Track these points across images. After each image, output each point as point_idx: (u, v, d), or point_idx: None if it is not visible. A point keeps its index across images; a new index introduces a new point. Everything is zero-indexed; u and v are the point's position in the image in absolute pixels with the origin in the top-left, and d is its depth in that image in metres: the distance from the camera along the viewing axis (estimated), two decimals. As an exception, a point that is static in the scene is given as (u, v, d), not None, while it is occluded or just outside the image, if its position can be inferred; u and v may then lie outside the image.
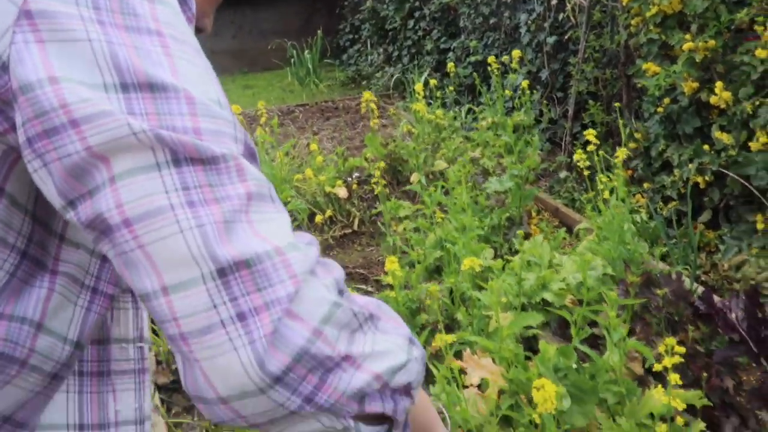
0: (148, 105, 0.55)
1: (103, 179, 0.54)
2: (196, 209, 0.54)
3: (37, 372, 0.70)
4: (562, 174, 3.63)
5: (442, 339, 1.69)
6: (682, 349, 1.24)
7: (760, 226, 2.69)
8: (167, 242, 0.53)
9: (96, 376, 0.81)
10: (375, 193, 3.20)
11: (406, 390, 0.63)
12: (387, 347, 0.60)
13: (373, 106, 2.58)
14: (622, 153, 2.17)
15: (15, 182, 0.63)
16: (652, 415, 1.53)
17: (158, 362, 2.46)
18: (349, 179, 3.95)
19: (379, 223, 3.42)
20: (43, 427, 0.76)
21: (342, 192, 3.64)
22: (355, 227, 3.56)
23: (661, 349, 1.26)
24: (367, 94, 2.65)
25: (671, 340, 1.24)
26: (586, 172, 2.23)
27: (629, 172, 3.33)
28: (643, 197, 3.16)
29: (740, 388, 1.87)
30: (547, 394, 1.18)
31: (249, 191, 0.57)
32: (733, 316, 1.97)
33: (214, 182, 0.55)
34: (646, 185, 3.21)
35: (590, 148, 2.18)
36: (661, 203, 3.11)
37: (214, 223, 0.54)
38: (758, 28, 2.52)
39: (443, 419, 0.85)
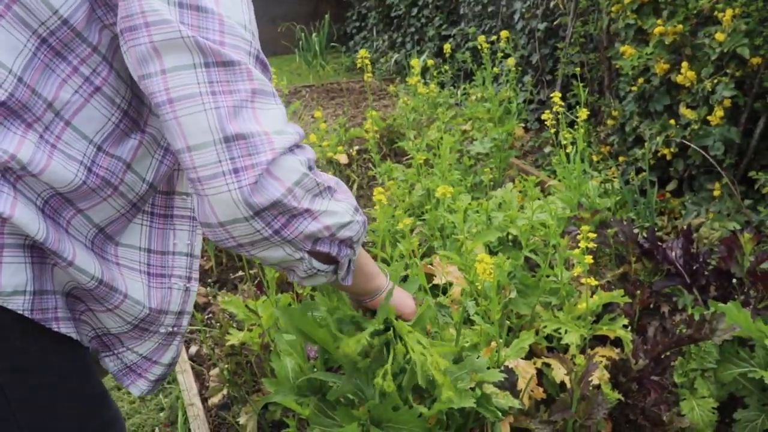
0: (194, 20, 0.87)
1: (156, 70, 0.86)
2: (216, 97, 0.83)
3: (124, 198, 1.04)
4: (547, 149, 3.97)
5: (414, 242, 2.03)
6: (593, 234, 1.58)
7: (716, 193, 3.02)
8: (194, 117, 0.85)
9: (162, 217, 1.15)
10: (372, 158, 3.53)
11: (349, 242, 0.99)
12: (337, 209, 0.94)
13: (367, 61, 2.91)
14: (582, 113, 2.51)
15: (119, 62, 0.97)
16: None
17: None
18: (350, 149, 4.30)
19: (374, 187, 3.75)
20: (122, 244, 1.10)
21: (343, 158, 3.98)
22: (354, 191, 3.89)
23: (579, 236, 1.59)
24: (362, 52, 2.98)
25: (585, 228, 1.58)
26: (551, 129, 2.56)
27: (607, 147, 3.67)
28: (618, 170, 3.50)
29: (673, 313, 2.20)
30: (486, 264, 1.51)
31: (254, 88, 0.86)
32: (673, 254, 2.30)
33: (230, 79, 0.85)
34: (621, 158, 3.54)
35: (555, 108, 2.51)
36: (633, 174, 3.44)
37: (226, 107, 0.86)
38: (718, 14, 2.85)
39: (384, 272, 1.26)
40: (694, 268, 2.22)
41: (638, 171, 3.48)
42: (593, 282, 1.61)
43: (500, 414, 1.43)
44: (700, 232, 2.96)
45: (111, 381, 2.34)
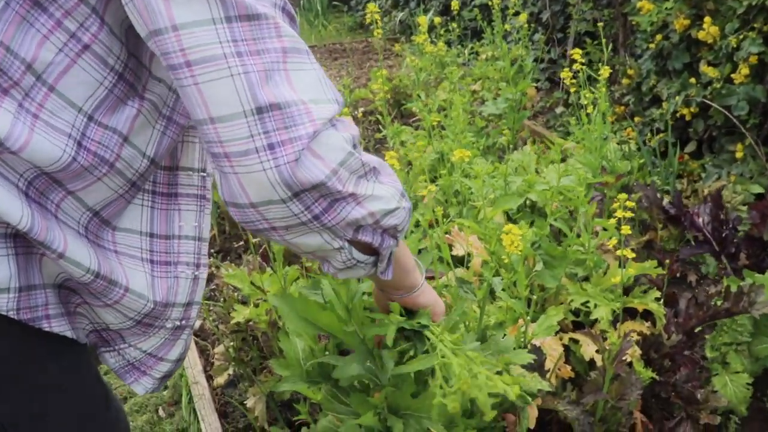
0: None
1: (166, 25, 0.68)
2: (243, 59, 0.69)
3: (121, 176, 0.88)
4: (559, 110, 3.78)
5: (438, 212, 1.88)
6: (632, 204, 1.42)
7: (739, 154, 2.85)
8: (218, 83, 0.69)
9: (165, 196, 0.98)
10: (379, 120, 3.36)
11: (393, 231, 0.84)
12: (383, 194, 0.79)
13: (377, 16, 2.71)
14: (605, 71, 2.33)
15: (111, 15, 0.78)
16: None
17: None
18: (355, 111, 4.11)
19: (382, 151, 3.58)
20: (120, 229, 0.94)
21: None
22: (359, 154, 3.72)
23: (615, 205, 1.44)
24: (371, 6, 2.78)
25: (623, 196, 1.42)
26: (572, 89, 2.38)
27: (622, 108, 3.48)
28: (633, 131, 3.32)
29: (701, 282, 2.05)
30: (514, 236, 1.36)
31: (284, 46, 0.72)
32: (700, 220, 2.14)
33: (257, 37, 0.70)
34: (636, 119, 3.36)
35: (576, 66, 2.33)
36: (650, 135, 3.27)
37: (257, 72, 0.69)
38: (747, -36, 2.64)
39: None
40: (724, 235, 2.07)
41: (655, 132, 3.31)
42: (630, 254, 1.46)
43: (530, 399, 1.29)
44: (722, 196, 2.80)
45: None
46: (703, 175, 2.95)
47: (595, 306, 1.63)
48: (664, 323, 1.65)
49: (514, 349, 1.35)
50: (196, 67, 0.69)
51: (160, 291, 0.96)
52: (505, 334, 1.37)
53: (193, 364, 2.05)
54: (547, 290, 1.75)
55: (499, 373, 1.31)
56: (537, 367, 1.49)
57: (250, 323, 1.79)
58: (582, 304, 1.67)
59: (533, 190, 2.21)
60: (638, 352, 1.62)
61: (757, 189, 2.74)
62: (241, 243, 2.83)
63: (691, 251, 2.08)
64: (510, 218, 2.15)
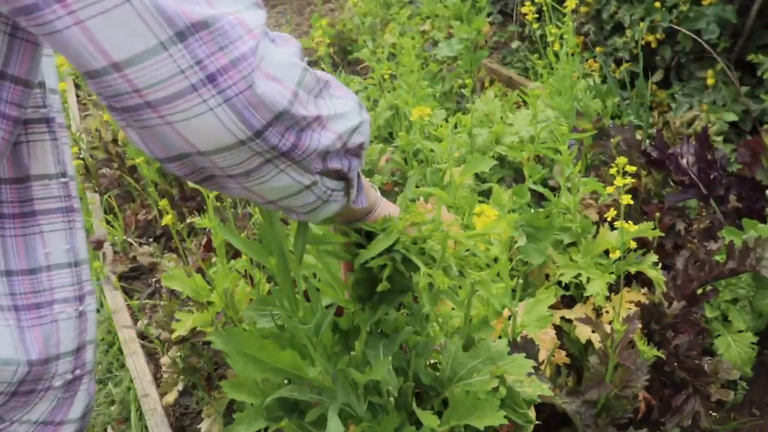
0: None
1: (102, 65, 0.52)
2: (218, 83, 0.53)
3: None
4: (515, 44, 3.50)
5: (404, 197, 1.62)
6: (633, 168, 1.18)
7: (710, 81, 2.64)
8: (192, 115, 0.53)
9: (19, 218, 0.71)
10: (324, 70, 3.03)
11: (358, 150, 0.70)
12: (344, 110, 0.65)
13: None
14: (571, 2, 2.05)
15: None
16: (607, 253, 1.51)
17: (115, 252, 2.35)
18: (298, 62, 3.76)
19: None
20: None
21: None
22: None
23: (612, 171, 1.20)
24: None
25: (622, 160, 1.18)
26: (534, 25, 2.11)
27: (581, 38, 3.22)
28: (595, 62, 3.07)
29: (690, 230, 1.86)
30: (488, 219, 1.12)
31: (257, 42, 0.55)
32: (684, 161, 1.93)
33: (224, 43, 0.53)
34: (598, 49, 3.11)
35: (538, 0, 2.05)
36: (613, 65, 3.03)
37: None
38: None
39: None
40: (712, 177, 1.87)
41: (617, 62, 3.07)
42: (631, 227, 1.23)
43: (533, 417, 1.07)
44: (695, 127, 2.60)
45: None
46: (673, 105, 2.73)
47: (588, 280, 1.40)
48: (663, 290, 1.44)
49: (508, 353, 1.13)
50: (163, 107, 0.53)
51: (34, 346, 0.71)
52: (498, 338, 1.14)
53: (142, 373, 1.79)
54: (530, 264, 1.52)
55: (495, 389, 1.10)
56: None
57: (198, 332, 1.53)
58: (573, 277, 1.45)
59: (502, 144, 1.96)
60: (638, 325, 1.41)
61: (731, 117, 2.54)
62: (188, 221, 2.54)
63: (678, 197, 1.87)
64: (479, 178, 1.90)
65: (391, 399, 1.08)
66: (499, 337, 1.25)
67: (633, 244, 1.27)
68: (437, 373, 1.15)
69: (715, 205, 1.87)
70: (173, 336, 1.46)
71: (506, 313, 1.28)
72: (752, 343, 1.56)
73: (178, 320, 1.49)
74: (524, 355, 1.12)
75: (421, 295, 0.89)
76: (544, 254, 1.40)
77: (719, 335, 1.57)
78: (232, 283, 1.47)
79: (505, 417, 1.04)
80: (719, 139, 2.51)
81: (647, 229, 1.43)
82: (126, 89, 0.52)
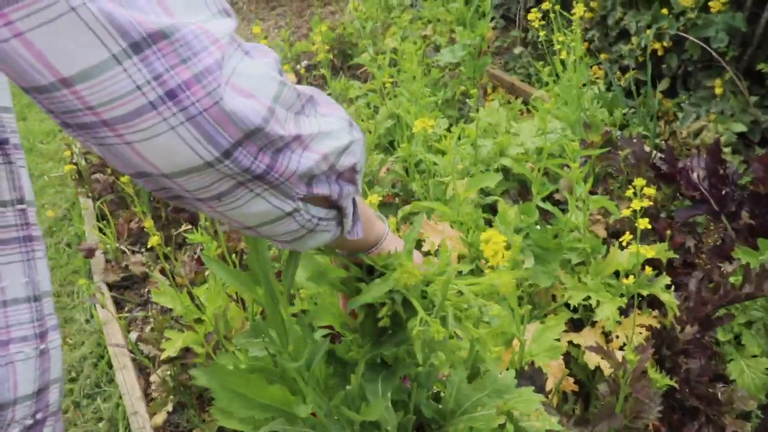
0: None
1: (50, 81, 0.45)
2: (179, 98, 0.47)
3: None
4: (517, 50, 3.42)
5: (404, 211, 1.55)
6: (651, 191, 1.11)
7: (718, 90, 2.56)
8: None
9: None
10: (324, 75, 2.96)
11: (351, 173, 0.62)
12: (331, 129, 0.58)
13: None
14: (579, 9, 1.98)
15: None
16: (617, 274, 1.43)
17: (107, 261, 2.27)
18: (298, 66, 3.68)
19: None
20: None
21: (290, 78, 3.38)
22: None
23: (628, 193, 1.12)
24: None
25: (640, 181, 1.11)
26: (541, 32, 2.03)
27: (585, 44, 3.15)
28: (600, 69, 3.00)
29: (700, 247, 1.79)
30: (497, 246, 1.04)
31: (224, 52, 0.49)
32: (695, 175, 1.86)
33: (187, 56, 0.48)
34: (603, 56, 3.04)
35: (545, 6, 1.98)
36: (618, 73, 2.95)
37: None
38: None
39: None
40: (724, 192, 1.79)
41: (623, 69, 3.00)
42: (650, 253, 1.15)
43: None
44: (702, 138, 2.53)
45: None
46: (679, 115, 2.66)
47: (598, 303, 1.33)
48: (675, 313, 1.37)
49: (515, 382, 1.05)
50: (120, 126, 0.47)
51: None
52: (504, 371, 1.06)
53: (131, 389, 1.71)
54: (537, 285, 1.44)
55: (501, 426, 1.03)
56: (538, 389, 1.20)
57: (189, 352, 1.45)
58: (583, 300, 1.37)
59: (507, 156, 1.89)
60: (651, 355, 1.34)
61: (740, 127, 2.47)
62: (183, 228, 2.46)
63: (688, 213, 1.80)
64: (483, 190, 1.83)
65: (391, 435, 1.01)
66: (507, 369, 1.18)
67: (649, 271, 1.19)
68: (440, 406, 1.07)
69: (727, 221, 1.80)
70: (162, 356, 1.38)
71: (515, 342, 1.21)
72: (767, 369, 1.49)
73: (168, 339, 1.41)
74: (532, 387, 1.05)
75: (414, 341, 0.82)
76: (553, 276, 1.33)
77: (732, 360, 1.50)
78: (224, 301, 1.39)
79: (512, 458, 0.97)
80: (727, 150, 2.44)
81: (662, 251, 1.36)
82: (78, 106, 0.46)
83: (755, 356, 1.50)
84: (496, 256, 1.03)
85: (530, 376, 1.19)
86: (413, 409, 1.05)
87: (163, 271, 1.74)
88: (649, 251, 1.23)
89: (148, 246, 1.35)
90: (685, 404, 1.38)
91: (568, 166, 1.37)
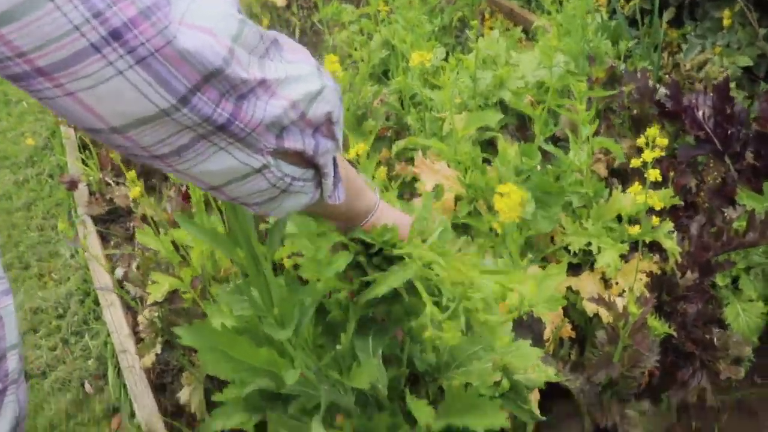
0: None
1: None
2: (126, 41, 0.41)
3: None
4: (517, -27, 3.24)
5: (398, 146, 1.46)
6: (664, 141, 1.04)
7: (726, 22, 2.44)
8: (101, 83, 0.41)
9: None
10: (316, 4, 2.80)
11: (328, 126, 0.56)
12: (299, 73, 0.52)
13: None
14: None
15: None
16: (619, 218, 1.37)
17: (91, 193, 2.18)
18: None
19: (320, 47, 3.04)
20: None
21: (280, 0, 3.21)
22: (296, 37, 3.18)
23: (640, 142, 1.05)
24: None
25: (653, 131, 1.03)
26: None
27: (589, -31, 2.97)
28: (602, -4, 2.85)
29: (701, 187, 1.73)
30: (513, 201, 0.98)
31: None
32: (700, 113, 1.78)
33: None
34: (606, -18, 2.88)
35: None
36: (622, 1, 2.80)
37: None
38: None
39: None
40: (729, 132, 1.72)
41: (626, -3, 2.84)
42: (658, 204, 1.09)
43: (537, 413, 0.96)
44: (707, 71, 2.42)
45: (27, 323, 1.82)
46: (683, 46, 2.54)
47: (599, 249, 1.28)
48: (678, 261, 1.32)
49: (513, 341, 1.01)
50: (58, 75, 0.41)
51: None
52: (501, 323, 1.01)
53: (119, 327, 1.67)
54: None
55: (497, 383, 0.99)
56: (535, 339, 1.16)
57: (176, 295, 1.40)
58: (585, 245, 1.32)
59: (507, 89, 1.79)
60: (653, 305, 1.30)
61: (746, 61, 2.36)
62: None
63: (690, 152, 1.72)
64: (482, 127, 1.74)
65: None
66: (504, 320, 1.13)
67: (656, 220, 1.13)
68: (434, 359, 1.03)
69: (730, 162, 1.73)
70: (149, 300, 1.33)
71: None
72: (763, 313, 1.46)
73: (154, 282, 1.35)
74: (530, 341, 1.01)
75: (426, 343, 0.78)
76: (554, 221, 1.27)
77: (728, 303, 1.47)
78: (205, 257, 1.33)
79: (507, 414, 0.94)
80: (732, 85, 2.34)
81: (667, 197, 1.29)
82: (6, 53, 0.39)
83: (751, 300, 1.47)
84: (510, 213, 0.97)
85: (528, 326, 1.15)
86: (406, 362, 1.01)
87: (144, 218, 1.67)
88: (656, 200, 1.16)
89: (131, 196, 1.26)
90: (680, 348, 1.36)
91: (575, 108, 1.28)
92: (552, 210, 1.26)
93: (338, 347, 0.91)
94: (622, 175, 1.68)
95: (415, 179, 1.45)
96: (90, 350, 1.70)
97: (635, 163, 1.04)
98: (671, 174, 1.56)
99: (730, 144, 1.72)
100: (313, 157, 0.56)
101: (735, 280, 1.48)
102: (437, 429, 0.90)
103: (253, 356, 0.81)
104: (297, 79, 0.51)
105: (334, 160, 0.61)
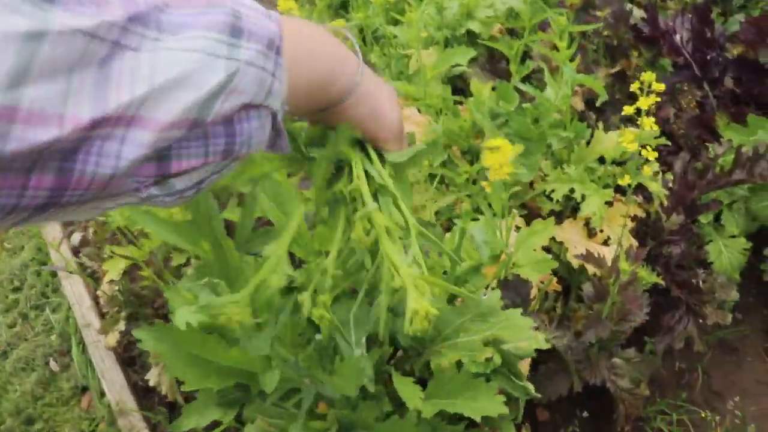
0: None
1: None
2: None
3: None
4: None
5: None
6: (661, 86, 0.93)
7: (697, -68, 2.29)
8: None
9: None
10: None
11: (248, 110, 0.37)
12: (184, 66, 0.33)
13: None
14: None
15: None
16: (601, 159, 1.29)
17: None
18: None
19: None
20: None
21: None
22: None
23: (633, 87, 0.94)
24: None
25: (649, 76, 0.93)
26: None
27: None
28: None
29: (680, 116, 1.64)
30: (504, 157, 0.87)
31: None
32: (678, 37, 1.67)
33: None
34: None
35: None
36: None
37: None
38: None
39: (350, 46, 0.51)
40: (709, 57, 1.62)
41: None
42: (652, 155, 0.99)
43: (532, 388, 0.90)
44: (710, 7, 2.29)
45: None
46: (654, -40, 2.39)
47: (583, 197, 1.19)
48: (664, 204, 1.24)
49: (502, 308, 0.93)
50: None
51: None
52: (486, 290, 0.93)
53: (80, 299, 1.56)
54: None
55: (488, 359, 0.91)
56: (522, 301, 1.08)
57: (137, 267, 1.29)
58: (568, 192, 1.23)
59: (476, 18, 1.65)
60: (635, 244, 1.23)
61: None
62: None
63: (669, 80, 1.63)
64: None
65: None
66: (489, 284, 1.05)
67: (647, 170, 1.04)
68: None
69: (709, 88, 1.64)
70: (105, 278, 1.21)
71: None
72: (744, 248, 1.41)
73: (110, 257, 1.23)
74: (520, 310, 0.93)
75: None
76: (535, 169, 1.17)
77: (711, 241, 1.42)
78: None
79: (499, 392, 0.87)
80: (702, 1, 2.22)
81: (650, 136, 1.20)
82: None
83: (733, 236, 1.42)
84: (499, 170, 0.87)
85: (514, 287, 1.07)
86: (389, 339, 0.93)
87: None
88: (649, 149, 1.07)
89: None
90: (665, 292, 1.31)
91: (556, 48, 1.16)
92: (533, 157, 1.16)
93: (318, 337, 0.82)
94: (600, 109, 1.59)
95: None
96: (52, 325, 1.59)
97: (628, 110, 0.93)
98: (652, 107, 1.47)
99: (709, 69, 1.63)
100: (230, 154, 0.38)
101: (717, 217, 1.42)
102: (428, 414, 0.83)
103: (225, 357, 0.71)
104: (180, 80, 0.33)
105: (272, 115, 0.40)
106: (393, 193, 0.52)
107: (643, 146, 1.06)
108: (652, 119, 0.93)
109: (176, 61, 0.32)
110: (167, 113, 0.32)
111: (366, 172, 0.51)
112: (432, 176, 1.35)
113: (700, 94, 1.65)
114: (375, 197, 0.51)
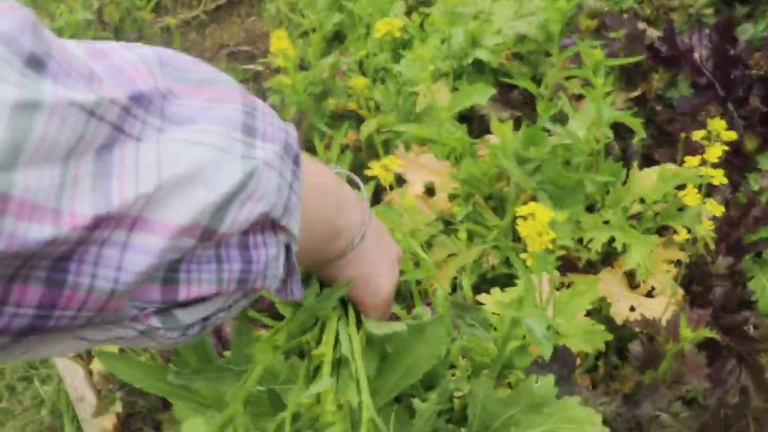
0: None
1: None
2: None
3: None
4: None
5: (369, 127, 1.21)
6: (732, 135, 0.81)
7: (698, -60, 2.18)
8: None
9: None
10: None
11: (266, 224, 0.32)
12: (193, 163, 0.27)
13: None
14: None
15: None
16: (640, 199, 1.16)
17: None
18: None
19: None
20: None
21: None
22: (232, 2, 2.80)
23: (698, 135, 0.82)
24: None
25: (718, 124, 0.80)
26: None
27: None
28: None
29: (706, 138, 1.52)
30: (540, 223, 0.74)
31: None
32: (697, 55, 1.55)
33: None
34: None
35: None
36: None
37: None
38: None
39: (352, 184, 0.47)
40: (733, 76, 1.50)
41: None
42: (718, 210, 0.87)
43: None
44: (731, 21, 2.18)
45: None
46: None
47: (624, 247, 1.07)
48: (712, 248, 1.12)
49: (557, 397, 0.80)
50: None
51: None
52: (537, 378, 0.80)
53: (72, 371, 1.41)
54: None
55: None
56: (568, 373, 0.95)
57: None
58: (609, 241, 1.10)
59: (483, 47, 1.53)
60: (680, 292, 1.11)
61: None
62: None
63: (691, 103, 1.51)
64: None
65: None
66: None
67: (670, 183, 0.91)
68: (462, 430, 0.82)
69: (733, 108, 1.52)
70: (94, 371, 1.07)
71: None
72: (789, 283, 1.29)
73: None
74: (578, 399, 0.80)
75: None
76: (574, 223, 1.04)
77: (752, 277, 1.29)
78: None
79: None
80: (709, 11, 2.12)
81: (693, 175, 1.07)
82: None
83: (778, 271, 1.30)
84: (538, 240, 0.74)
85: (560, 358, 0.94)
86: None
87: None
88: (669, 173, 0.94)
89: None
90: (712, 339, 1.18)
91: (590, 83, 1.03)
92: (571, 210, 1.03)
93: None
94: (620, 136, 1.46)
95: (401, 178, 1.20)
96: (42, 399, 1.44)
97: (691, 162, 0.81)
98: (683, 136, 1.35)
99: (733, 88, 1.51)
100: (245, 285, 0.33)
101: (759, 253, 1.30)
102: None
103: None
104: (191, 176, 0.27)
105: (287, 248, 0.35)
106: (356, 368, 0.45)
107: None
108: (722, 172, 0.80)
109: (186, 155, 0.27)
110: (178, 215, 0.27)
111: (337, 335, 0.46)
112: (448, 223, 1.22)
113: (725, 116, 1.53)
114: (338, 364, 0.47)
